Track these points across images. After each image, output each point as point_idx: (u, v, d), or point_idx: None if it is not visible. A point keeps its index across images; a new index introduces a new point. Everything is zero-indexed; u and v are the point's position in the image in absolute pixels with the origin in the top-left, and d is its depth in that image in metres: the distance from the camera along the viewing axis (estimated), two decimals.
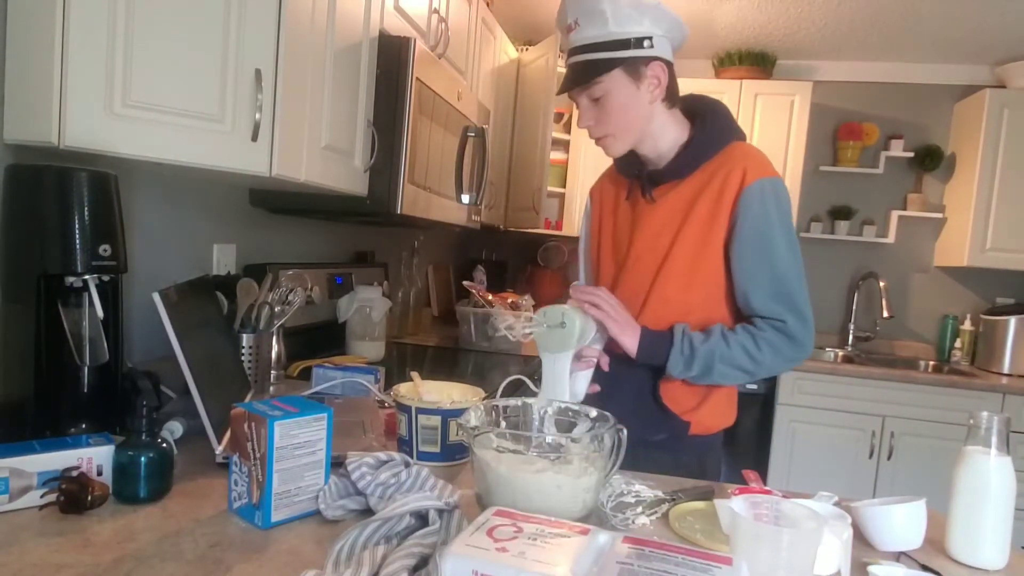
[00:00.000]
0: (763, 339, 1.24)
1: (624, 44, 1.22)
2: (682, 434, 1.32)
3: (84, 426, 1.09)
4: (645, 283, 1.32)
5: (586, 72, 1.25)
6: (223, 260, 1.75)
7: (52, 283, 1.06)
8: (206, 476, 1.02)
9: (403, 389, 1.21)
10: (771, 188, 1.24)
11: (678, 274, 1.29)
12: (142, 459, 0.91)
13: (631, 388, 1.33)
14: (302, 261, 2.14)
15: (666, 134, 1.32)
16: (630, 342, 1.25)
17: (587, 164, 3.54)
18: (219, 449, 1.06)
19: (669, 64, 1.27)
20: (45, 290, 1.05)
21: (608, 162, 1.46)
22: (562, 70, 3.48)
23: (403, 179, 1.73)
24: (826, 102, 3.59)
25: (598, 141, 1.32)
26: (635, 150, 1.34)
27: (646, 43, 1.23)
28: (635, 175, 1.37)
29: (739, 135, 1.33)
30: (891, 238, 3.51)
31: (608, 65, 1.23)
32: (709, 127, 1.31)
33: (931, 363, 3.42)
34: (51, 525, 0.83)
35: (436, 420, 1.13)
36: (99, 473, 0.92)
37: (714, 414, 1.35)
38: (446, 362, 2.32)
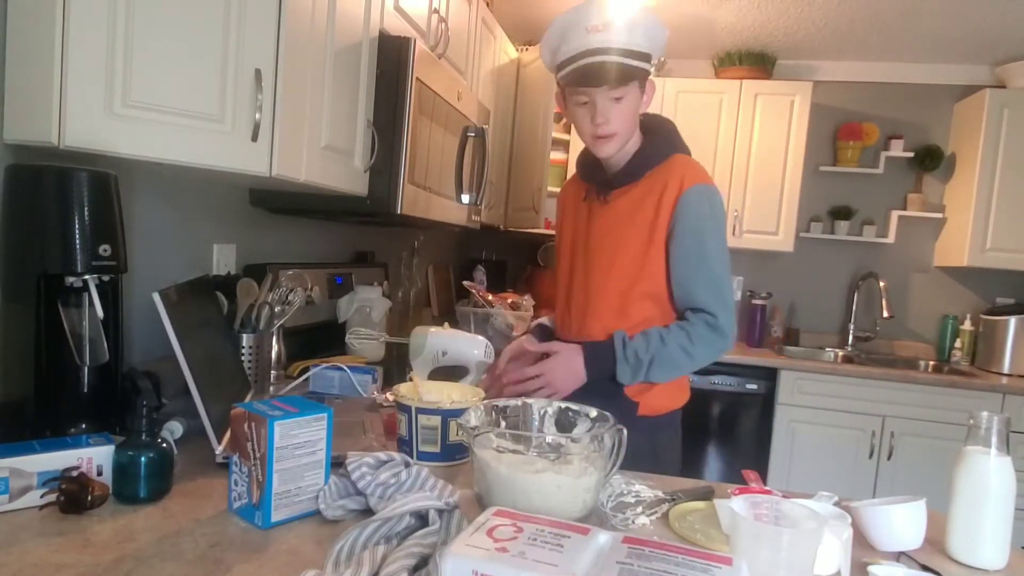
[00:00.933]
0: (696, 336, 1.36)
1: (647, 58, 1.35)
2: (631, 414, 1.40)
3: (84, 426, 1.09)
4: (598, 275, 1.46)
5: (624, 75, 1.33)
6: (223, 260, 1.75)
7: (52, 283, 1.06)
8: (206, 476, 1.02)
9: (403, 389, 1.21)
10: (706, 193, 1.38)
11: (627, 266, 1.42)
12: (142, 459, 0.91)
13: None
14: (302, 261, 2.13)
15: (631, 144, 1.44)
16: (577, 382, 1.39)
17: None
18: (219, 449, 1.06)
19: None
20: (45, 290, 1.05)
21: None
22: None
23: (403, 179, 1.73)
24: (826, 102, 3.59)
25: (601, 139, 1.39)
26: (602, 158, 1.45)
27: (653, 61, 1.37)
28: (592, 179, 1.51)
29: (682, 149, 1.47)
30: (891, 238, 3.51)
31: (637, 73, 1.34)
32: (656, 140, 1.45)
33: (931, 363, 3.42)
34: (51, 525, 0.83)
35: (436, 420, 1.13)
36: (99, 473, 0.92)
37: (661, 396, 1.46)
38: None
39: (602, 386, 1.41)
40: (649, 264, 1.41)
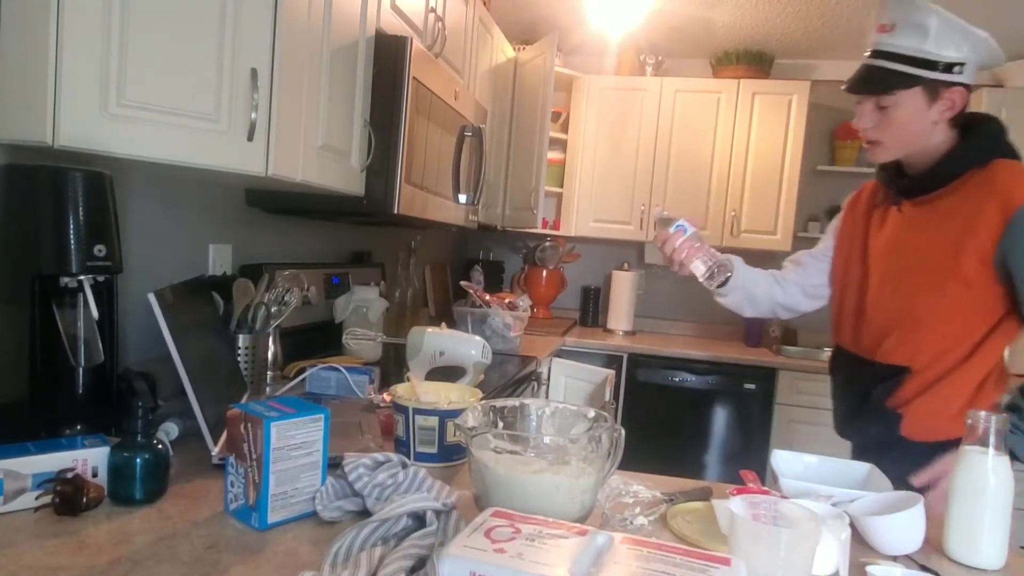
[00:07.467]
0: None
1: (933, 65, 1.23)
2: (892, 431, 1.30)
3: (79, 427, 1.09)
4: (889, 288, 1.35)
5: (885, 82, 1.25)
6: (219, 260, 1.75)
7: (47, 283, 1.05)
8: (202, 477, 1.02)
9: (400, 390, 1.21)
10: None
11: (923, 284, 1.29)
12: (137, 460, 0.91)
13: (855, 386, 1.40)
14: (299, 261, 2.13)
15: (939, 150, 1.30)
16: None
17: (584, 164, 3.54)
18: (215, 450, 1.06)
19: (969, 89, 1.26)
20: (40, 291, 1.05)
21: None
22: (561, 70, 3.49)
23: (400, 179, 1.73)
24: (824, 101, 3.58)
25: (868, 143, 1.34)
26: (901, 160, 1.35)
27: (956, 69, 1.23)
28: (889, 183, 1.39)
29: (1008, 152, 1.28)
30: None
31: (910, 82, 1.24)
32: (971, 143, 1.29)
33: None
34: (46, 527, 0.83)
35: (433, 421, 1.13)
36: (94, 475, 0.92)
37: (936, 415, 1.27)
38: None
39: (863, 393, 1.36)
40: (948, 282, 1.25)
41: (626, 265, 3.63)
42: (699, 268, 1.35)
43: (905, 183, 1.35)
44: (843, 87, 1.34)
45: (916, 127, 1.27)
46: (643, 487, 1.07)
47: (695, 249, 1.34)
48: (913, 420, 1.30)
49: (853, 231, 1.48)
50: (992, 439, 0.91)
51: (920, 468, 1.15)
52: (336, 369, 1.61)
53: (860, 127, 1.32)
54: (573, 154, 3.55)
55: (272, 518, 0.87)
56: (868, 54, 1.29)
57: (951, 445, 1.08)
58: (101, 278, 1.11)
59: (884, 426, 1.33)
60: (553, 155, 3.48)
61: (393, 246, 2.84)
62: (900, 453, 1.20)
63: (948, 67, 1.23)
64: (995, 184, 1.22)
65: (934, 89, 1.24)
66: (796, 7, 2.93)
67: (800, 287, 1.53)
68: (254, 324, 1.57)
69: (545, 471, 0.89)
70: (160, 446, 0.94)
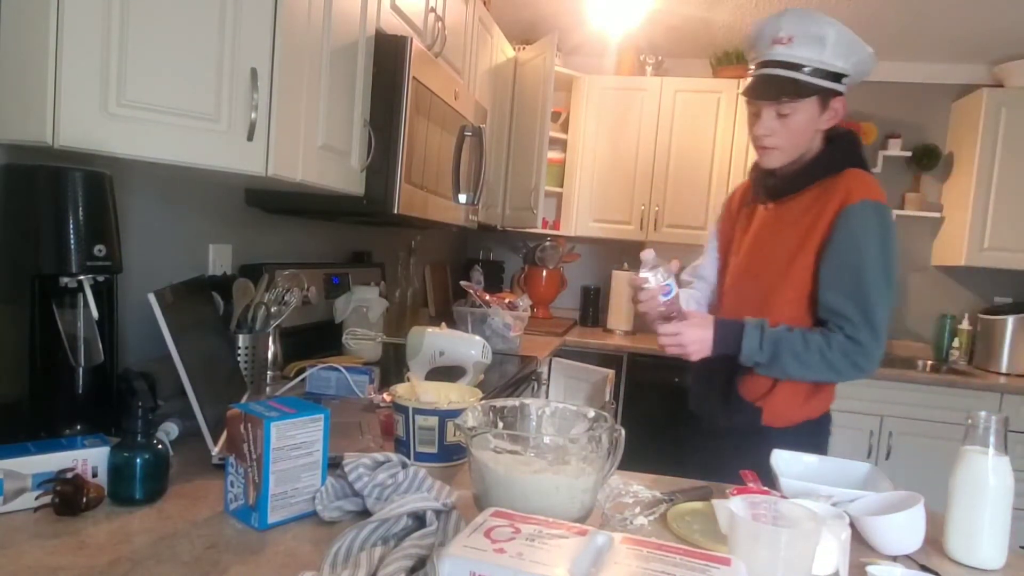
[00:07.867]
0: (835, 343, 1.31)
1: (828, 75, 1.32)
2: (755, 421, 1.42)
3: (79, 427, 1.09)
4: (747, 278, 1.47)
5: (788, 89, 1.33)
6: (219, 260, 1.75)
7: (46, 283, 1.05)
8: (202, 477, 1.02)
9: (400, 390, 1.21)
10: (872, 209, 1.31)
11: (772, 273, 1.41)
12: (137, 460, 0.91)
13: (717, 379, 1.47)
14: (298, 261, 2.13)
15: (807, 156, 1.41)
16: (703, 350, 1.38)
17: (584, 164, 3.54)
18: (215, 450, 1.06)
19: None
20: (40, 291, 1.05)
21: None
22: (561, 69, 3.49)
23: (400, 179, 1.73)
24: None
25: (762, 150, 1.41)
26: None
27: (843, 80, 1.35)
28: (759, 184, 1.49)
29: (859, 163, 1.40)
30: None
31: (811, 90, 1.33)
32: (833, 150, 1.41)
33: (929, 363, 3.42)
34: (46, 527, 0.83)
35: (433, 421, 1.13)
36: (94, 475, 0.92)
37: (787, 404, 1.42)
38: None
39: (725, 387, 1.45)
40: (793, 274, 1.38)
41: (626, 265, 3.63)
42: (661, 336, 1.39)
43: (772, 183, 1.45)
44: (742, 93, 1.41)
45: (807, 134, 1.38)
46: (643, 487, 1.07)
47: (665, 313, 1.37)
48: (771, 411, 1.42)
49: (727, 230, 1.60)
50: (992, 439, 0.91)
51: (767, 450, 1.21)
52: (336, 369, 1.61)
53: (759, 134, 1.39)
54: (573, 154, 3.55)
55: (272, 518, 0.87)
56: (761, 64, 1.36)
57: (805, 427, 1.43)
58: (101, 278, 1.11)
59: (748, 418, 1.43)
60: (553, 155, 3.48)
61: (393, 246, 2.84)
62: (763, 438, 1.31)
63: (837, 77, 1.33)
64: (841, 188, 1.34)
65: (826, 98, 1.35)
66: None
67: (708, 299, 1.65)
68: (254, 324, 1.57)
69: (545, 471, 0.89)
70: (160, 446, 0.94)
